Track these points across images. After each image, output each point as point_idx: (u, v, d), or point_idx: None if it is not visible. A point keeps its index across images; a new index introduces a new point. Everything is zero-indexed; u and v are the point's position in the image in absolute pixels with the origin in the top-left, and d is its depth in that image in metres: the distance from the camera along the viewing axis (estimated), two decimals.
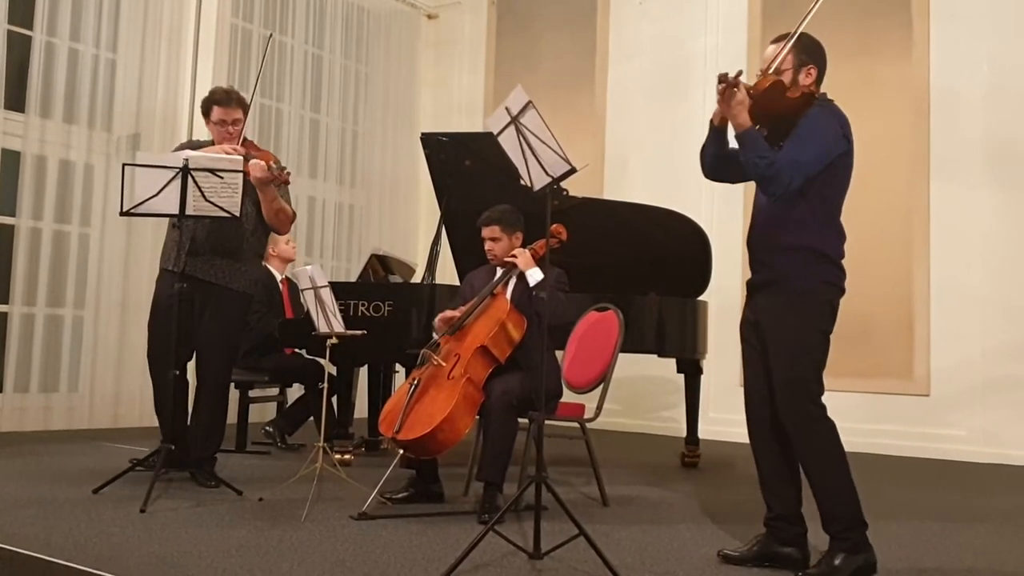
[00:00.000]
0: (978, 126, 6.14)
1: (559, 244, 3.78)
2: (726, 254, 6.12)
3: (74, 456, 4.85)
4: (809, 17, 2.83)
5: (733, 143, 2.86)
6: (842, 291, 2.86)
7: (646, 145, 7.48)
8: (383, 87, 8.34)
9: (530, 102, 2.89)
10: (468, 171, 5.03)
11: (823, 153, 2.77)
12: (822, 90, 2.90)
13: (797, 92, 2.80)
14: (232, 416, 5.43)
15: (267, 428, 5.49)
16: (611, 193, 7.21)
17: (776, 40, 2.91)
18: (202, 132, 4.30)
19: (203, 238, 3.99)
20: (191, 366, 4.14)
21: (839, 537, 2.74)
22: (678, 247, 5.23)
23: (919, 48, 6.37)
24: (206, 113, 4.13)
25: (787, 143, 2.75)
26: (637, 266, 5.21)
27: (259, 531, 3.16)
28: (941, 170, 6.22)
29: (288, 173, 4.03)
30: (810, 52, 2.86)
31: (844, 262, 2.87)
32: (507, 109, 2.94)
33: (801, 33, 2.83)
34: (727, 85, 2.70)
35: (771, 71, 2.78)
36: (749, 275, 2.99)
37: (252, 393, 5.49)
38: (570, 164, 2.91)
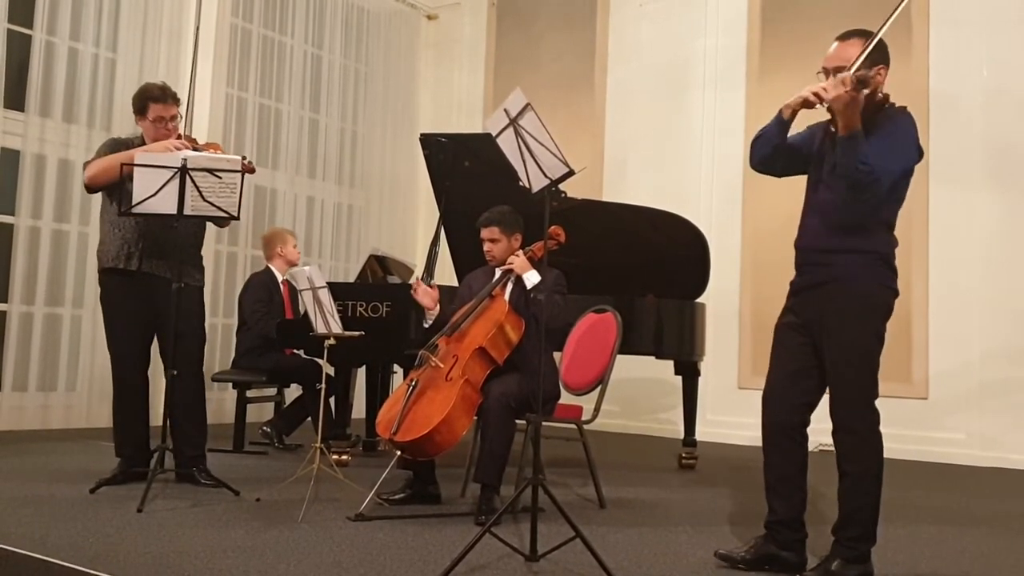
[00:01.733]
0: (977, 129, 6.13)
1: (557, 246, 3.77)
2: (724, 257, 6.12)
3: (72, 455, 4.85)
4: (894, 16, 2.75)
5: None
6: (897, 294, 2.81)
7: (645, 146, 7.48)
8: (383, 87, 8.34)
9: (528, 104, 2.89)
10: (467, 172, 5.03)
11: (908, 164, 2.76)
12: None
13: (879, 96, 2.76)
14: (230, 416, 5.45)
15: (265, 428, 5.49)
16: (610, 194, 7.20)
17: (844, 37, 2.84)
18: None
19: (156, 236, 3.96)
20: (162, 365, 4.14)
21: (846, 545, 2.73)
22: (677, 249, 5.22)
23: (918, 51, 6.36)
24: (141, 111, 4.03)
25: (875, 149, 2.67)
26: (635, 268, 5.21)
27: (256, 532, 3.16)
28: (940, 173, 6.21)
29: (250, 162, 4.02)
30: (883, 51, 2.79)
31: None
32: (506, 111, 2.94)
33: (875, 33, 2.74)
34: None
35: (854, 70, 2.69)
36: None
37: (250, 393, 5.48)
38: (568, 166, 2.91)
